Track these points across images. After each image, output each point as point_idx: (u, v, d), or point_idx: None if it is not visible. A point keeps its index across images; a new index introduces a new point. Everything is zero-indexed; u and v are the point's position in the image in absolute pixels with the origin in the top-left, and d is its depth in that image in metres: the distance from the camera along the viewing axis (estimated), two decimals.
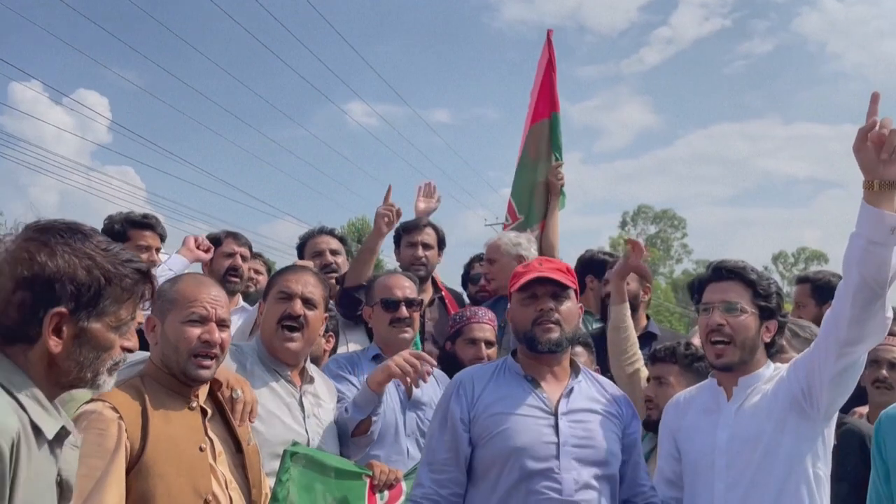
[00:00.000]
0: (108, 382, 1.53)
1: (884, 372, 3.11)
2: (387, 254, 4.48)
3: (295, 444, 2.43)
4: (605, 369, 3.26)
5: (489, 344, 3.27)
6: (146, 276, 1.55)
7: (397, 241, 4.19)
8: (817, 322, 3.89)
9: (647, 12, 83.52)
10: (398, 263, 4.12)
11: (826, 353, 2.19)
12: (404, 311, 3.02)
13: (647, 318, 3.91)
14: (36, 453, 1.39)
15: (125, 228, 3.64)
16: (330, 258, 3.93)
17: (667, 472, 2.51)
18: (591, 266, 4.25)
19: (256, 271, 4.45)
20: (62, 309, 1.42)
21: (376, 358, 3.02)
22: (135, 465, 1.92)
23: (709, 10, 78.64)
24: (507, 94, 71.52)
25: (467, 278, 4.79)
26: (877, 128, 1.96)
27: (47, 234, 1.46)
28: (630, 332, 3.05)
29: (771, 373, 2.39)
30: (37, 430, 1.40)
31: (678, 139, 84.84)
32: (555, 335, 2.33)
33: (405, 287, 3.10)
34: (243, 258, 4.01)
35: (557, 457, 2.22)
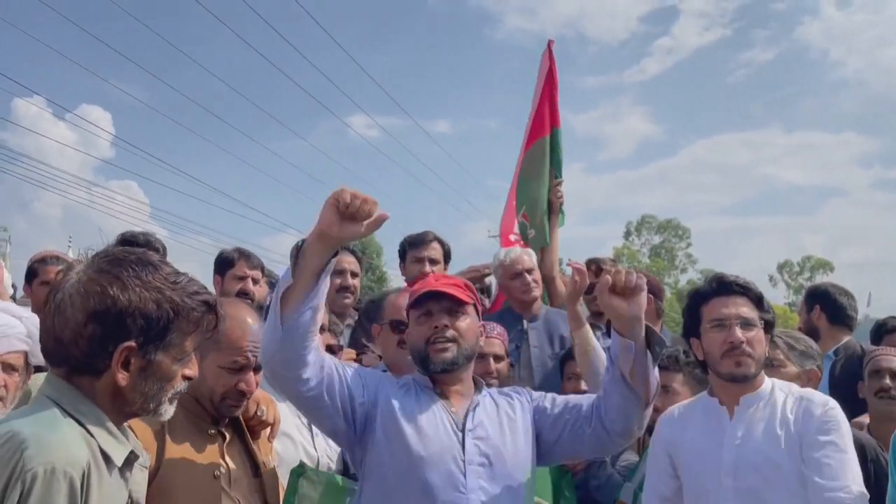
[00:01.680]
0: (168, 411, 1.55)
1: (887, 381, 3.08)
2: (390, 266, 4.47)
3: (301, 464, 2.44)
4: None
5: (498, 358, 3.23)
6: (212, 308, 1.56)
7: (402, 255, 4.19)
8: (806, 327, 3.98)
9: (648, 22, 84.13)
10: (404, 278, 4.12)
11: None
12: None
13: (662, 326, 3.86)
14: (106, 479, 1.41)
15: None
16: (350, 280, 3.89)
17: (662, 489, 2.46)
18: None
19: (253, 280, 4.41)
20: (132, 343, 1.43)
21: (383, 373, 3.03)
22: (148, 485, 1.90)
23: (709, 19, 78.96)
24: (508, 103, 71.79)
25: None
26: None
27: (119, 266, 1.46)
28: (599, 351, 2.98)
29: (769, 391, 2.37)
30: (106, 457, 1.42)
31: (681, 148, 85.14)
32: (449, 355, 2.24)
33: None
34: (254, 281, 3.97)
35: (465, 474, 2.11)
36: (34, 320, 2.35)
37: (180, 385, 1.55)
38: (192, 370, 1.57)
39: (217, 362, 2.11)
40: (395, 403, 2.18)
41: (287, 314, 1.95)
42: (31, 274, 3.72)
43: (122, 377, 1.44)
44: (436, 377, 2.29)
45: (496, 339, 3.28)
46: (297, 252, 1.96)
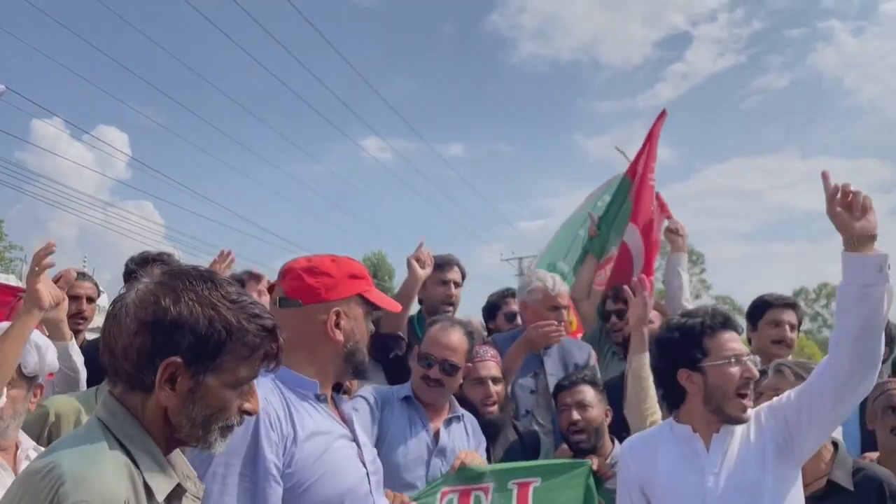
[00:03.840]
0: (219, 443, 1.44)
1: None
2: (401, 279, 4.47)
3: None
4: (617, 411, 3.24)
5: (496, 381, 3.22)
6: (272, 334, 1.45)
7: None
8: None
9: (662, 48, 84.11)
10: (418, 298, 4.06)
11: (822, 400, 2.24)
12: (436, 371, 2.93)
13: None
14: None
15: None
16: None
17: None
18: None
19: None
20: (177, 359, 1.36)
21: (406, 399, 2.95)
22: None
23: (723, 45, 78.96)
24: (522, 128, 72.12)
25: (494, 312, 4.78)
26: (839, 194, 2.20)
27: (177, 279, 1.41)
28: (650, 381, 2.95)
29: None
30: (149, 491, 1.35)
31: (695, 174, 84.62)
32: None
33: (448, 350, 2.96)
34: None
35: (371, 492, 1.96)
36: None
37: (234, 418, 1.44)
38: (251, 404, 1.46)
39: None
40: (307, 441, 1.85)
41: None
42: None
43: (166, 395, 1.36)
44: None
45: (491, 362, 3.25)
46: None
